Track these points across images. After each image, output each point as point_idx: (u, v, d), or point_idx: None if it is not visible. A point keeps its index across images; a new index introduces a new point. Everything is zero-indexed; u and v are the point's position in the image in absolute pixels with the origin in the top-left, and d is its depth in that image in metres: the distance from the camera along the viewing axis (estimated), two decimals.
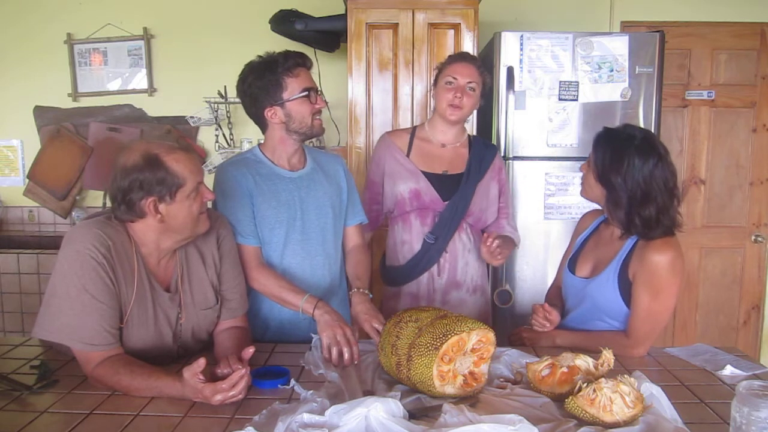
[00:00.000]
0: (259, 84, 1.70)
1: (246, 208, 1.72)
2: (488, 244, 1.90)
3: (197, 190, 1.41)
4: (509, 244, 2.08)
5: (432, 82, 2.12)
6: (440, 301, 2.06)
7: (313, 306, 1.65)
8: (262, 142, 1.85)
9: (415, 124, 2.32)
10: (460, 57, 2.07)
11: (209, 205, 1.58)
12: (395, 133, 2.18)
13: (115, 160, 1.38)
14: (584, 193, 1.69)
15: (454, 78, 1.99)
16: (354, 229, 1.96)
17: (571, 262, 1.77)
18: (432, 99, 2.17)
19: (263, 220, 1.74)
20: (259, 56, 1.73)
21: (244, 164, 1.77)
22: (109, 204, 1.44)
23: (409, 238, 2.07)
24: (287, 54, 1.71)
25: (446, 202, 2.03)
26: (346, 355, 1.51)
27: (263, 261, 1.76)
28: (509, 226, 2.15)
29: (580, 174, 1.71)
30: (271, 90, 1.69)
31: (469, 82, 1.99)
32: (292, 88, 1.69)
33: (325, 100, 1.80)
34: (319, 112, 1.75)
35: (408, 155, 2.08)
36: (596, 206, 1.75)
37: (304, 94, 1.70)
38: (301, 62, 1.72)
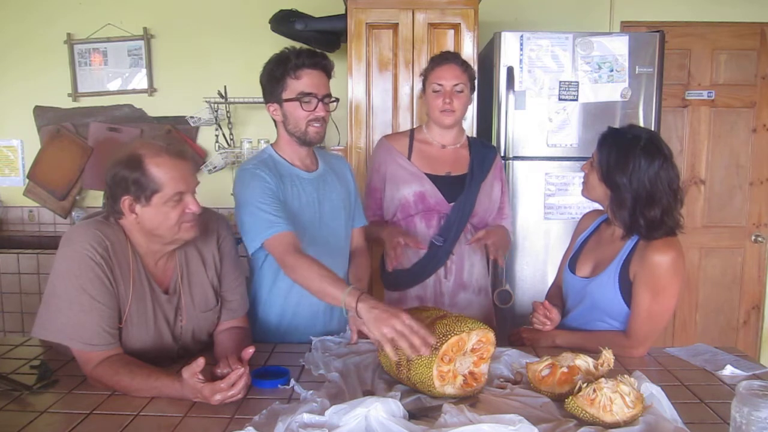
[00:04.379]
0: (267, 78, 1.68)
1: (275, 201, 1.62)
2: (483, 240, 1.96)
3: (180, 199, 1.39)
4: (502, 234, 2.07)
5: (420, 88, 2.10)
6: (448, 303, 2.04)
7: (355, 299, 1.38)
8: (264, 142, 1.83)
9: (412, 127, 2.30)
10: (442, 59, 2.02)
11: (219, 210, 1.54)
12: (393, 137, 2.15)
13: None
14: (586, 193, 1.69)
15: (440, 84, 1.98)
16: (358, 231, 1.94)
17: (571, 261, 1.77)
18: (423, 104, 2.16)
19: None
20: (286, 48, 1.67)
21: (266, 166, 1.69)
22: None
23: None
24: (299, 52, 1.64)
25: (451, 204, 2.02)
26: (418, 345, 1.24)
27: (300, 247, 1.58)
28: (507, 225, 2.15)
29: (581, 174, 1.71)
30: (274, 86, 1.67)
31: (456, 84, 1.97)
32: (291, 89, 1.65)
33: (330, 110, 1.70)
34: (319, 119, 1.67)
35: (409, 158, 2.06)
36: (597, 206, 1.75)
37: (296, 98, 1.64)
38: (310, 63, 1.63)
